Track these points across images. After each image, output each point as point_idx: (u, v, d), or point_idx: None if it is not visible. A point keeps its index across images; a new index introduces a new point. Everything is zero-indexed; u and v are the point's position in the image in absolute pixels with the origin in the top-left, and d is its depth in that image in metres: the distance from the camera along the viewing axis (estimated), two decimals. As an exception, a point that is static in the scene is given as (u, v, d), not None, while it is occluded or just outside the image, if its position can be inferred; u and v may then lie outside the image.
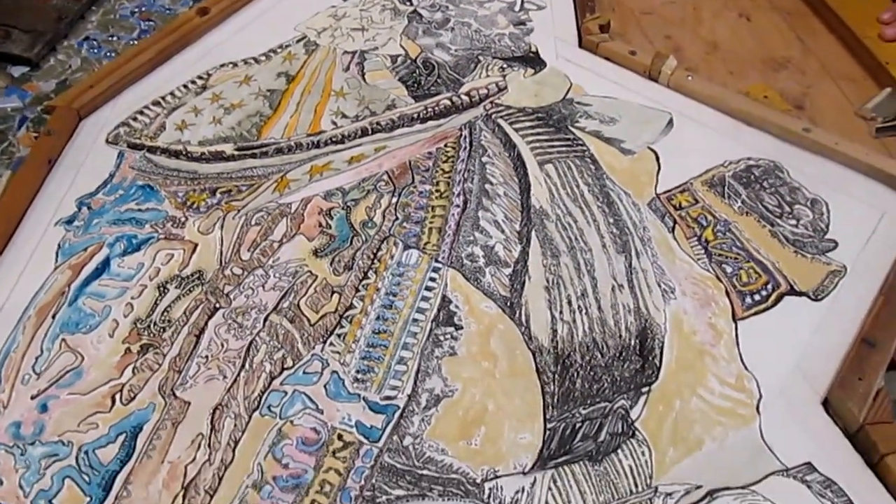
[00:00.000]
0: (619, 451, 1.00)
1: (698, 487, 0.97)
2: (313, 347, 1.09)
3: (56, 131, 1.37)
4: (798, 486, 0.97)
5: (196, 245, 1.22)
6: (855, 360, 1.06)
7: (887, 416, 1.02)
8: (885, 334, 1.10)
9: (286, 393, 1.05)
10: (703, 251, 1.21)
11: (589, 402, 1.04)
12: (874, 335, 1.09)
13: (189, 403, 1.04)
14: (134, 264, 1.20)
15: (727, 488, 0.97)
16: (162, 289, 1.17)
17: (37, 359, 1.08)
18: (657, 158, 1.35)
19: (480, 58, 1.54)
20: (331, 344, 1.09)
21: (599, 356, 1.08)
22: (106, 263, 1.20)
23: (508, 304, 1.14)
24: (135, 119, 1.45)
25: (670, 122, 1.40)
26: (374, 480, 0.96)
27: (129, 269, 1.20)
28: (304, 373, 1.07)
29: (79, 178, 1.32)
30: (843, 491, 0.96)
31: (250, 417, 1.02)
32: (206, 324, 1.13)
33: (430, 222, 1.23)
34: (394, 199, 1.27)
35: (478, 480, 0.97)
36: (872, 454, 0.98)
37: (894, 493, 0.96)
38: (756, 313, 1.15)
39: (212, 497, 0.95)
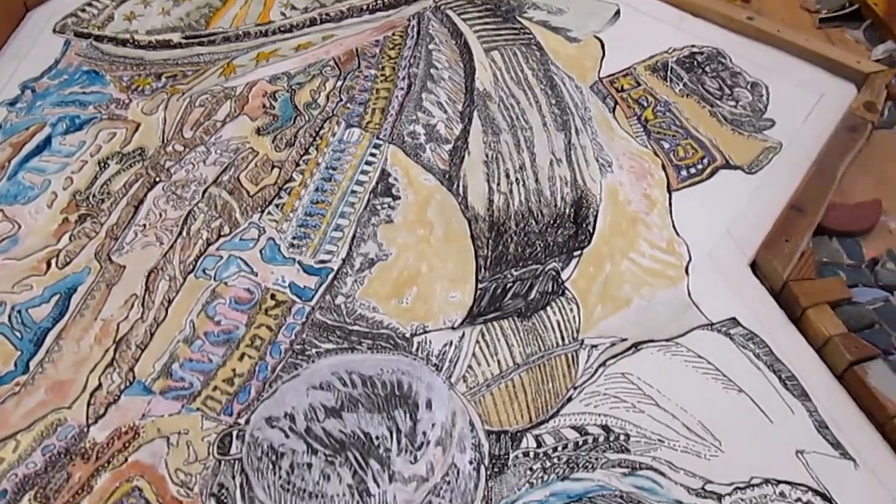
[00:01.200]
0: (548, 308, 1.01)
1: (623, 340, 0.98)
2: (251, 216, 1.09)
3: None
4: (721, 338, 0.99)
5: (139, 124, 1.23)
6: (783, 224, 1.08)
7: (811, 275, 1.03)
8: (813, 201, 1.11)
9: (221, 257, 1.06)
10: (642, 129, 1.22)
11: (521, 264, 1.05)
12: (803, 202, 1.11)
13: (124, 267, 1.05)
14: (76, 142, 1.21)
15: (651, 341, 0.99)
16: (102, 164, 1.17)
17: (-27, 229, 1.09)
18: (602, 46, 1.36)
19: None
20: (268, 213, 1.10)
21: (534, 223, 1.09)
22: (47, 141, 1.20)
23: (447, 176, 1.15)
24: (83, 10, 1.44)
25: (617, 12, 1.41)
26: (304, 335, 0.98)
27: (71, 146, 1.20)
28: (240, 239, 1.08)
29: (23, 64, 1.32)
30: (765, 342, 0.98)
31: (185, 279, 1.04)
32: (145, 196, 1.14)
33: (374, 103, 1.23)
34: (339, 83, 1.28)
35: (407, 335, 0.98)
36: (795, 308, 1.00)
37: (814, 343, 0.98)
38: (691, 185, 1.16)
39: (143, 350, 0.97)
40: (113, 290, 1.02)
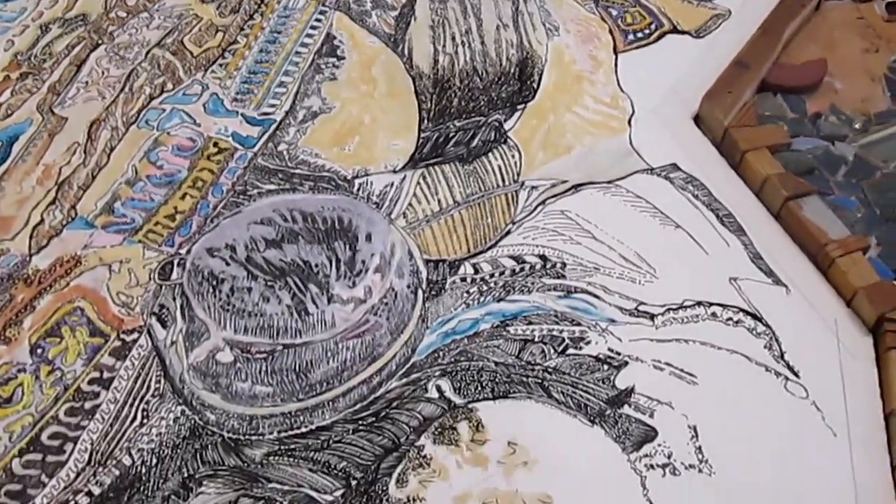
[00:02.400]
0: (490, 154, 1.01)
1: (564, 182, 0.99)
2: (194, 74, 1.09)
3: None
4: (661, 181, 1.00)
5: (82, -9, 1.21)
6: (726, 78, 1.09)
7: (752, 123, 1.04)
8: (757, 57, 1.12)
9: (164, 110, 1.06)
10: (590, -2, 1.22)
11: (464, 116, 1.05)
12: (747, 58, 1.12)
13: (66, 119, 1.05)
14: (17, 8, 1.19)
15: (592, 183, 0.99)
16: (44, 28, 1.17)
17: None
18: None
19: None
20: (212, 71, 1.10)
21: (478, 80, 1.10)
22: (-12, 7, 1.18)
23: (392, 40, 1.15)
24: None
25: None
26: (246, 178, 0.98)
27: (12, 12, 1.18)
28: (183, 94, 1.08)
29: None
30: (704, 185, 0.99)
31: (127, 129, 1.03)
32: (87, 56, 1.13)
33: (320, -27, 1.22)
34: (285, -46, 1.26)
35: (348, 177, 0.99)
36: (735, 154, 1.02)
37: (752, 185, 0.99)
38: (637, 47, 1.16)
39: (85, 191, 0.96)
40: (55, 138, 1.02)
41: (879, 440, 0.79)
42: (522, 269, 0.91)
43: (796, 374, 0.83)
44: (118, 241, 0.92)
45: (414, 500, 0.74)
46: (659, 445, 0.78)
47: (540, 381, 0.82)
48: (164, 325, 0.85)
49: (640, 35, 1.18)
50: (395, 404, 0.81)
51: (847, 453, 0.78)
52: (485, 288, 0.89)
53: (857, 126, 1.08)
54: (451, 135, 1.04)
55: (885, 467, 0.78)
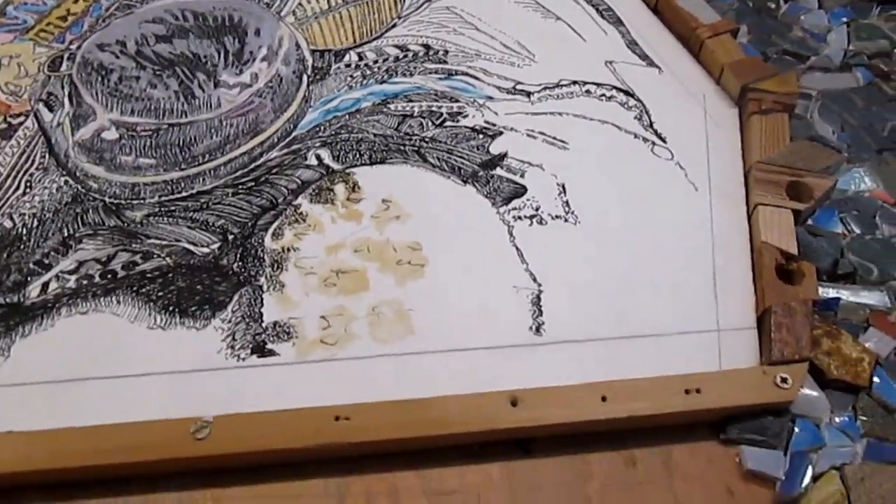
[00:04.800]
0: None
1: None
2: None
3: None
4: None
5: None
6: None
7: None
8: None
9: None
10: None
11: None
12: None
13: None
14: None
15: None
16: None
17: None
18: None
19: None
20: None
21: None
22: None
23: None
24: None
25: None
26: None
27: None
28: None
29: None
30: (613, 10, 1.01)
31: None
32: None
33: None
34: None
35: (241, -15, 1.00)
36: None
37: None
38: None
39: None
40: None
41: (738, 194, 0.83)
42: (406, 56, 0.93)
43: (663, 140, 0.87)
44: (9, 39, 0.94)
45: (288, 249, 0.78)
46: (528, 200, 0.82)
47: (416, 148, 0.85)
48: (51, 109, 0.88)
49: None
50: (274, 171, 0.83)
51: (707, 204, 0.82)
52: (368, 72, 0.92)
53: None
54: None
55: (741, 215, 0.81)
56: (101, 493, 0.66)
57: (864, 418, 0.70)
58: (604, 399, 0.68)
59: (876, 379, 0.72)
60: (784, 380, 0.69)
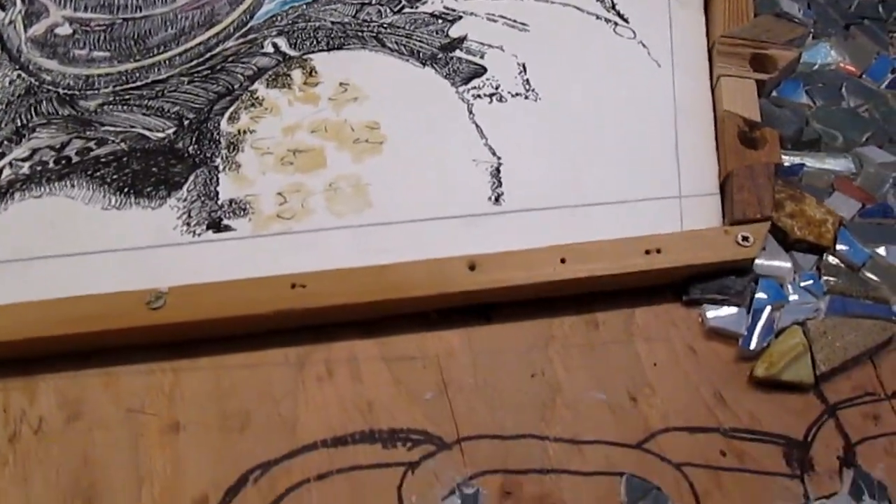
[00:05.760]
0: None
1: None
2: None
3: None
4: None
5: None
6: None
7: None
8: None
9: None
10: None
11: None
12: None
13: None
14: None
15: None
16: None
17: None
18: None
19: None
20: None
21: None
22: None
23: None
24: None
25: None
26: None
27: None
28: None
29: None
30: None
31: None
32: None
33: None
34: None
35: None
36: None
37: None
38: None
39: None
40: None
41: (702, 68, 0.82)
42: (364, -51, 0.91)
43: (626, 21, 0.85)
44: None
45: (244, 132, 0.76)
46: (487, 80, 0.81)
47: (375, 34, 0.84)
48: (2, 8, 0.86)
49: None
50: (230, 59, 0.82)
51: (670, 79, 0.81)
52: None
53: None
54: None
55: (705, 88, 0.80)
56: (61, 367, 0.64)
57: (827, 278, 0.69)
58: (563, 261, 0.67)
59: (840, 240, 0.71)
60: (745, 238, 0.68)
